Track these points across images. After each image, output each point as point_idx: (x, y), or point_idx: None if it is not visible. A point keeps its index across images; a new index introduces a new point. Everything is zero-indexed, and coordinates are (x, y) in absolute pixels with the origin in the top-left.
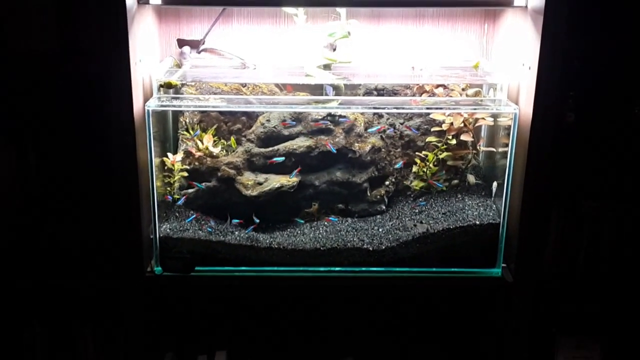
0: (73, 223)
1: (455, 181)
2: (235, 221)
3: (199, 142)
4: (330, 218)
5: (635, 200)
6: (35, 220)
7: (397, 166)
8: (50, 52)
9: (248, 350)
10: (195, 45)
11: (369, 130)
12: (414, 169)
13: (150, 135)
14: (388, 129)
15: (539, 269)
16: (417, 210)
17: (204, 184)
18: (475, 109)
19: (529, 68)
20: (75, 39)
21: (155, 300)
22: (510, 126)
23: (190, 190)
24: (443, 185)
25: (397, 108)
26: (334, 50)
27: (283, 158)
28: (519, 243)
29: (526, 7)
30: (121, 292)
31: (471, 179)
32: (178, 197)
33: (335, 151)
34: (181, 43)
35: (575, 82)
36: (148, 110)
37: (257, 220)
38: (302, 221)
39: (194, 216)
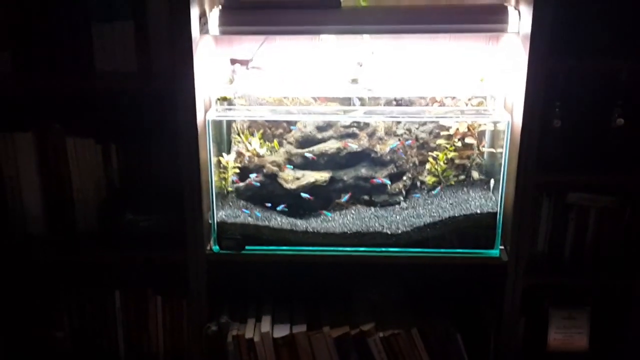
0: (148, 210)
1: (462, 177)
2: (279, 208)
3: (248, 144)
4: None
5: (613, 193)
6: (117, 207)
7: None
8: (130, 73)
9: (287, 315)
10: (245, 63)
11: (391, 146)
12: (427, 166)
13: (209, 140)
14: (406, 141)
15: (530, 250)
16: (429, 201)
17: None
18: (475, 117)
19: (521, 82)
20: (150, 62)
21: (213, 272)
22: (504, 131)
23: (241, 184)
24: (451, 180)
25: (412, 116)
26: (361, 66)
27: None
28: (512, 228)
29: (518, 32)
30: (187, 266)
31: (475, 174)
32: (231, 189)
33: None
34: (233, 62)
35: (560, 93)
36: (208, 120)
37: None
38: (330, 214)
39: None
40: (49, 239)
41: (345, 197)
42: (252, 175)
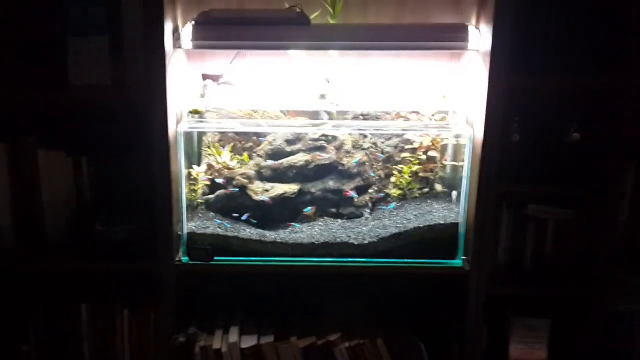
0: (118, 222)
1: (426, 189)
2: (244, 217)
3: (218, 157)
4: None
5: (570, 205)
6: (87, 219)
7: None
8: (104, 86)
9: (255, 325)
10: (216, 79)
11: (352, 162)
12: (393, 179)
13: (181, 152)
14: (370, 155)
15: (491, 260)
16: (394, 213)
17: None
18: (439, 131)
19: (481, 98)
20: (124, 75)
21: (182, 283)
22: (466, 145)
23: (211, 196)
24: (415, 193)
25: (377, 129)
26: (329, 82)
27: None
28: (474, 239)
29: (479, 50)
30: (156, 277)
31: (438, 187)
32: (201, 201)
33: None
34: (205, 77)
35: (519, 108)
36: (180, 132)
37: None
38: (299, 226)
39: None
40: (18, 250)
41: (308, 209)
42: (220, 181)
